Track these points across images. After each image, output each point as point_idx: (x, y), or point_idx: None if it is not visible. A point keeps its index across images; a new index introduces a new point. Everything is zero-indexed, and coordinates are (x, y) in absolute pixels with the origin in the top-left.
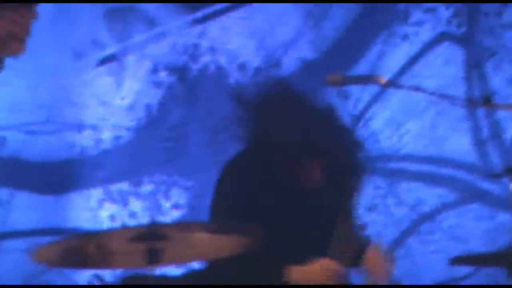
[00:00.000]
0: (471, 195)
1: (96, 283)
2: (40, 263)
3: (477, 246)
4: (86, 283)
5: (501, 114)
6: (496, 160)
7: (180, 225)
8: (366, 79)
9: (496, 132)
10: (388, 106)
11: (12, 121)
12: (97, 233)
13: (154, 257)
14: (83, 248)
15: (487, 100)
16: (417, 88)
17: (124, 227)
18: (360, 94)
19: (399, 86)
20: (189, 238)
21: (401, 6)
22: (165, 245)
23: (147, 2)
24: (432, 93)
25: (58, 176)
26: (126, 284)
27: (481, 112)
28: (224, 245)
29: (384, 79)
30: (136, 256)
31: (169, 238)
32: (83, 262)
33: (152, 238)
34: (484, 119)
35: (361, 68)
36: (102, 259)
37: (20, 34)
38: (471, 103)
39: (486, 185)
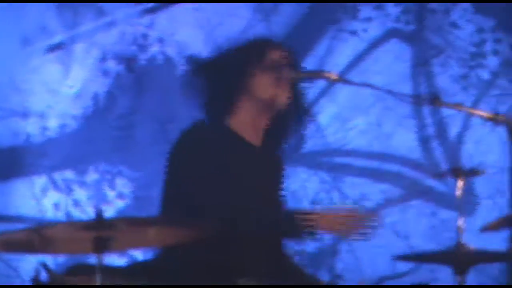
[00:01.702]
0: (415, 191)
1: (40, 270)
2: None
3: (418, 242)
4: (29, 270)
5: (446, 112)
6: (440, 157)
7: (128, 220)
8: (316, 74)
9: (441, 130)
10: (335, 101)
11: None
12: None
13: (101, 246)
14: (28, 238)
15: (434, 98)
16: (364, 84)
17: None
18: (307, 88)
19: (347, 82)
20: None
21: None
22: (113, 234)
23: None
24: (379, 89)
25: (2, 163)
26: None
27: (427, 109)
28: (173, 236)
29: (333, 75)
30: (82, 244)
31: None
32: (27, 251)
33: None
34: (430, 117)
35: (309, 63)
36: (46, 248)
37: None
38: (417, 100)
39: (430, 182)
